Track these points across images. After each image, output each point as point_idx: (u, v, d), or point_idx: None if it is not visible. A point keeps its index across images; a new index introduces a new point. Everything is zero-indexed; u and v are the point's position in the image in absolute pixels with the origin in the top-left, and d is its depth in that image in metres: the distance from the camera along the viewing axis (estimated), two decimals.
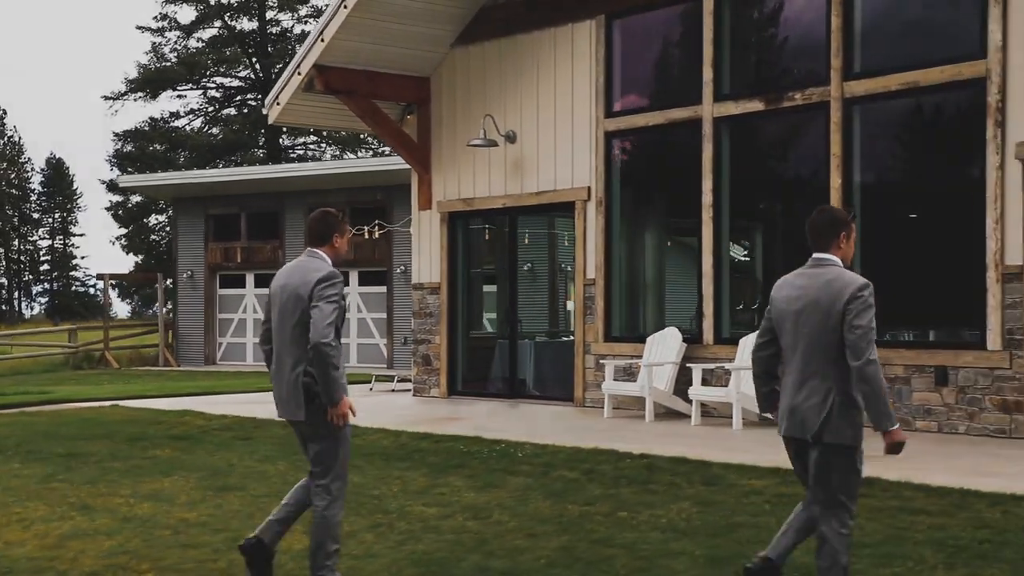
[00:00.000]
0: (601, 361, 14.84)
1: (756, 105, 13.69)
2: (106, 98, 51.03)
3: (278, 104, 16.69)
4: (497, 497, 8.68)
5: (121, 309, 76.61)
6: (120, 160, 52.89)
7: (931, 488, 8.40)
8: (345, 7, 15.48)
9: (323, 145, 51.67)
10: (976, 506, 7.85)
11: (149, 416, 14.33)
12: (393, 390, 18.94)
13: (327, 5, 19.81)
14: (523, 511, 8.14)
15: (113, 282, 61.71)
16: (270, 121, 17.23)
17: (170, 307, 32.68)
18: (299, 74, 16.21)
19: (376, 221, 21.55)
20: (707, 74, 14.09)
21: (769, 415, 5.68)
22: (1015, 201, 11.48)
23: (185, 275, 31.00)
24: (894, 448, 5.18)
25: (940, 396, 11.86)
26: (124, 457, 10.91)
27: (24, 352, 33.39)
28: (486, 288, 19.12)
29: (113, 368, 30.22)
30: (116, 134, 53.77)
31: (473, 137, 16.06)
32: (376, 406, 15.51)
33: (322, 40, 15.77)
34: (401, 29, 16.09)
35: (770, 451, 10.57)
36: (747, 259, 16.04)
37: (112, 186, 53.44)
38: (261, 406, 14.01)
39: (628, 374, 14.58)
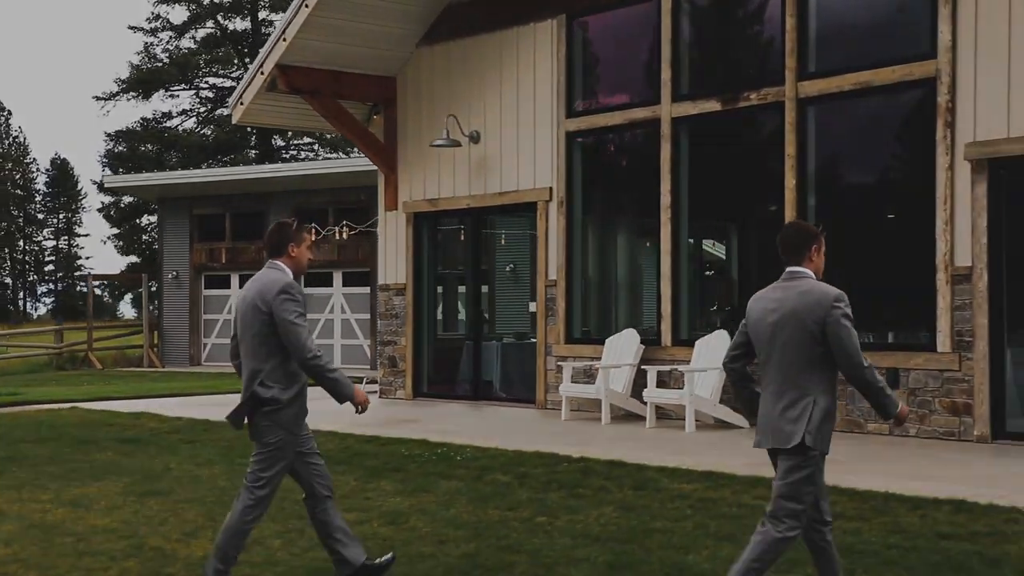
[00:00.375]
0: (559, 363, 14.74)
1: (713, 105, 13.58)
2: (98, 98, 51.05)
3: (242, 104, 16.58)
4: (422, 502, 8.60)
5: (127, 310, 76.76)
6: (112, 160, 52.86)
7: (856, 492, 8.30)
8: (306, 6, 15.38)
9: (316, 147, 51.56)
10: (896, 511, 7.75)
11: (105, 418, 14.27)
12: None
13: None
14: (442, 516, 8.04)
15: (104, 283, 62.00)
16: (234, 121, 17.15)
17: (156, 307, 32.60)
18: (262, 74, 16.11)
19: (344, 222, 21.43)
20: (665, 74, 13.99)
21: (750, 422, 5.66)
22: (964, 202, 11.35)
23: (170, 276, 30.95)
24: (902, 421, 5.52)
25: None
26: (63, 460, 10.84)
27: (15, 352, 33.37)
28: (461, 289, 19.01)
29: (96, 369, 30.18)
30: (108, 134, 53.83)
31: (437, 137, 15.96)
32: (336, 408, 15.33)
33: (284, 39, 15.68)
34: (365, 28, 16.00)
35: (714, 453, 10.53)
36: (719, 259, 15.95)
37: (101, 186, 53.43)
38: (224, 408, 13.88)
39: (588, 376, 14.48)
